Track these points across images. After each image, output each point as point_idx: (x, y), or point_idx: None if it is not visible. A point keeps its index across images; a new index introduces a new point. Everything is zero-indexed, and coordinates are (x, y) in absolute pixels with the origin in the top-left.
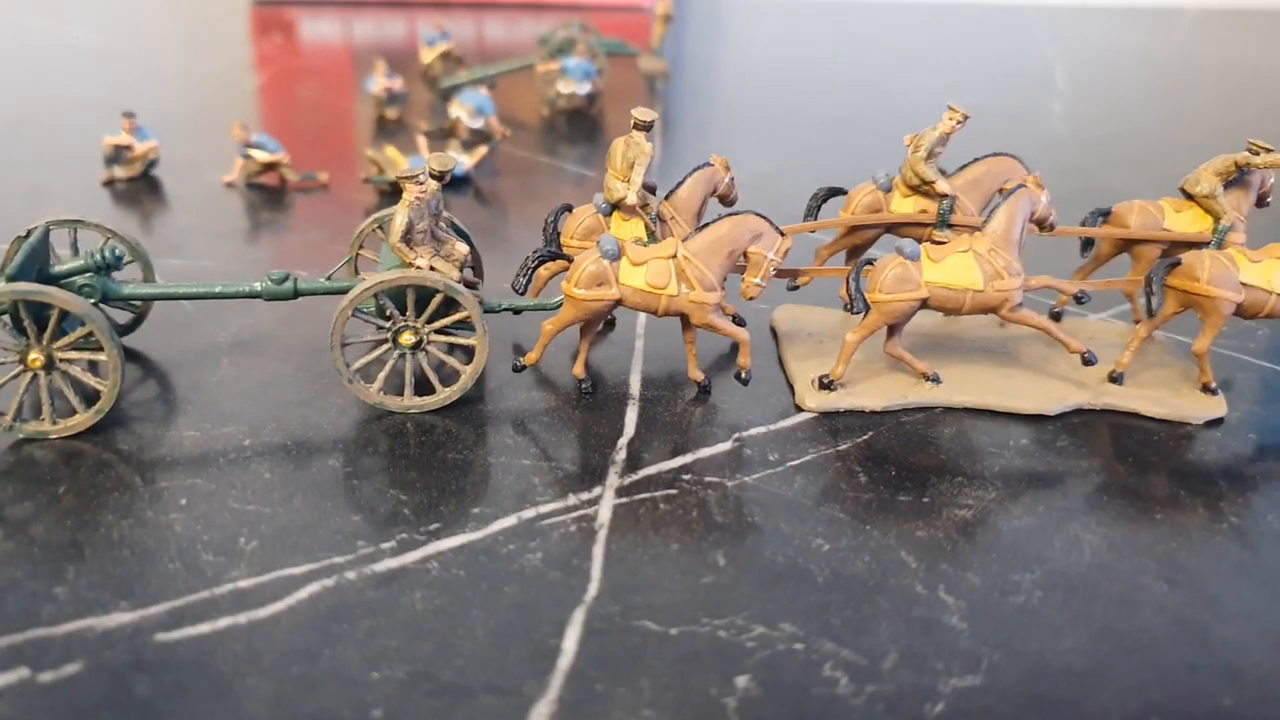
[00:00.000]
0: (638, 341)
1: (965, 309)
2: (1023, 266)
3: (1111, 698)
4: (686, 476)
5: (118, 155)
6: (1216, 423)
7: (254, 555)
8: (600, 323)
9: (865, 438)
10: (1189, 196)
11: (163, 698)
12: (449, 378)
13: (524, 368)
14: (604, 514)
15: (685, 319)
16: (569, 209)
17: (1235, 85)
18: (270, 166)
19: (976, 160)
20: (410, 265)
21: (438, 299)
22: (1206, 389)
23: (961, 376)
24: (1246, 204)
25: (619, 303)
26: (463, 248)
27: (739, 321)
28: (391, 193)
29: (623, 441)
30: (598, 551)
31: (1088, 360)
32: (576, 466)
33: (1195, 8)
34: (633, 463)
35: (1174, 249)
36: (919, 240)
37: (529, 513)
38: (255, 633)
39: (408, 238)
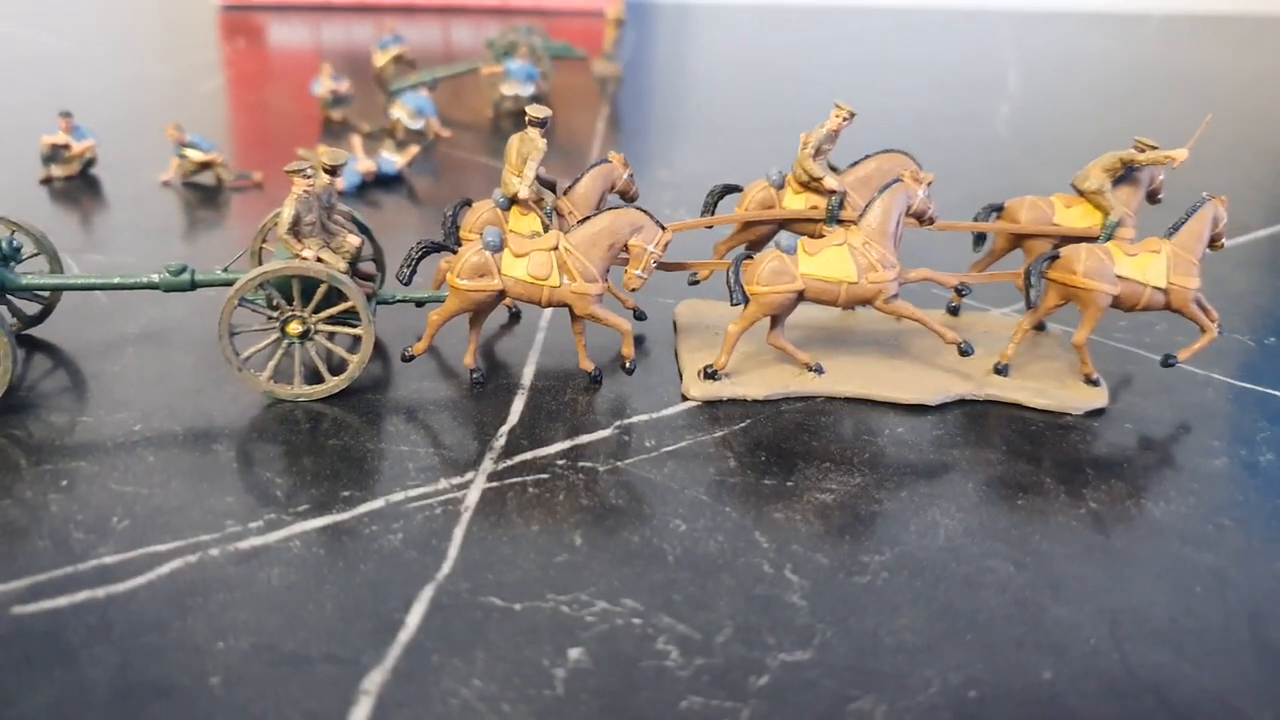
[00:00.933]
0: (539, 334)
1: (841, 301)
2: (899, 259)
3: (935, 672)
4: (561, 462)
5: (55, 154)
6: (1098, 413)
7: (124, 533)
8: (488, 313)
9: (743, 425)
10: (1080, 192)
11: (8, 667)
12: (338, 367)
13: (412, 357)
14: (472, 498)
15: (570, 310)
16: (468, 204)
17: (1190, 92)
18: (205, 166)
19: (868, 157)
20: (297, 256)
21: (322, 289)
22: (1089, 380)
23: (847, 367)
24: (1135, 200)
25: (503, 294)
26: (354, 240)
27: (640, 315)
28: None
29: (504, 429)
30: (458, 533)
31: (964, 351)
32: (454, 453)
33: (1160, 14)
34: (510, 449)
35: (1064, 244)
36: (812, 236)
37: (397, 496)
38: (111, 606)
39: (295, 230)
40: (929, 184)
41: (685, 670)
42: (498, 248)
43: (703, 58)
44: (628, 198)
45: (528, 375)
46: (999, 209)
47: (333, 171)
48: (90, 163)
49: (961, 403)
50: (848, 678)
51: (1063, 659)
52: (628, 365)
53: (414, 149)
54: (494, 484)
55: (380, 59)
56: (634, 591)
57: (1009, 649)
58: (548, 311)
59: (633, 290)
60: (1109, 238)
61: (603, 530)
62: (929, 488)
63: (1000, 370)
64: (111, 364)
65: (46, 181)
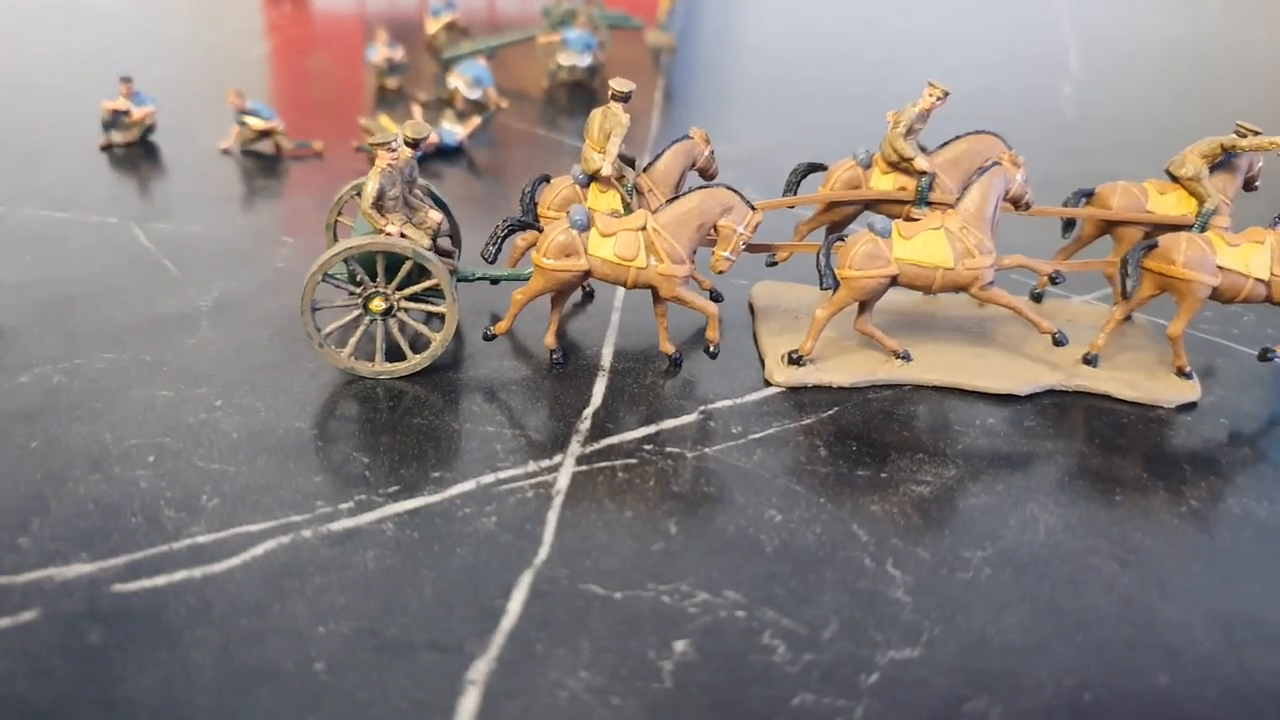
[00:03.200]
0: (614, 315)
1: (935, 286)
2: (996, 245)
3: (1048, 673)
4: (648, 447)
5: (115, 120)
6: (1189, 407)
7: (214, 512)
8: (570, 293)
9: (830, 413)
10: (1174, 179)
11: (114, 646)
12: (421, 345)
13: (494, 336)
14: (562, 481)
15: (655, 292)
16: (546, 180)
17: (1254, 70)
18: (265, 134)
19: (958, 138)
20: (380, 231)
21: (407, 265)
22: (1181, 373)
23: (933, 355)
24: (1233, 187)
25: (588, 274)
26: (436, 215)
27: (716, 297)
28: None
29: (588, 411)
30: (552, 517)
31: (1058, 341)
32: (540, 434)
33: None
34: (596, 432)
35: (1156, 231)
36: (899, 219)
37: (488, 478)
38: (209, 586)
39: (379, 204)
40: (1024, 167)
41: (794, 666)
42: (585, 227)
43: (754, 29)
44: (708, 175)
45: (606, 357)
46: (1089, 194)
47: (415, 145)
48: (150, 129)
49: (1050, 393)
50: (959, 677)
51: (1177, 663)
52: (712, 349)
53: (475, 120)
54: (583, 467)
55: (432, 26)
56: (735, 583)
57: (1121, 651)
58: (622, 292)
59: (719, 273)
60: (1204, 227)
61: (697, 519)
62: (1024, 481)
63: (1089, 360)
64: (187, 337)
65: (107, 148)
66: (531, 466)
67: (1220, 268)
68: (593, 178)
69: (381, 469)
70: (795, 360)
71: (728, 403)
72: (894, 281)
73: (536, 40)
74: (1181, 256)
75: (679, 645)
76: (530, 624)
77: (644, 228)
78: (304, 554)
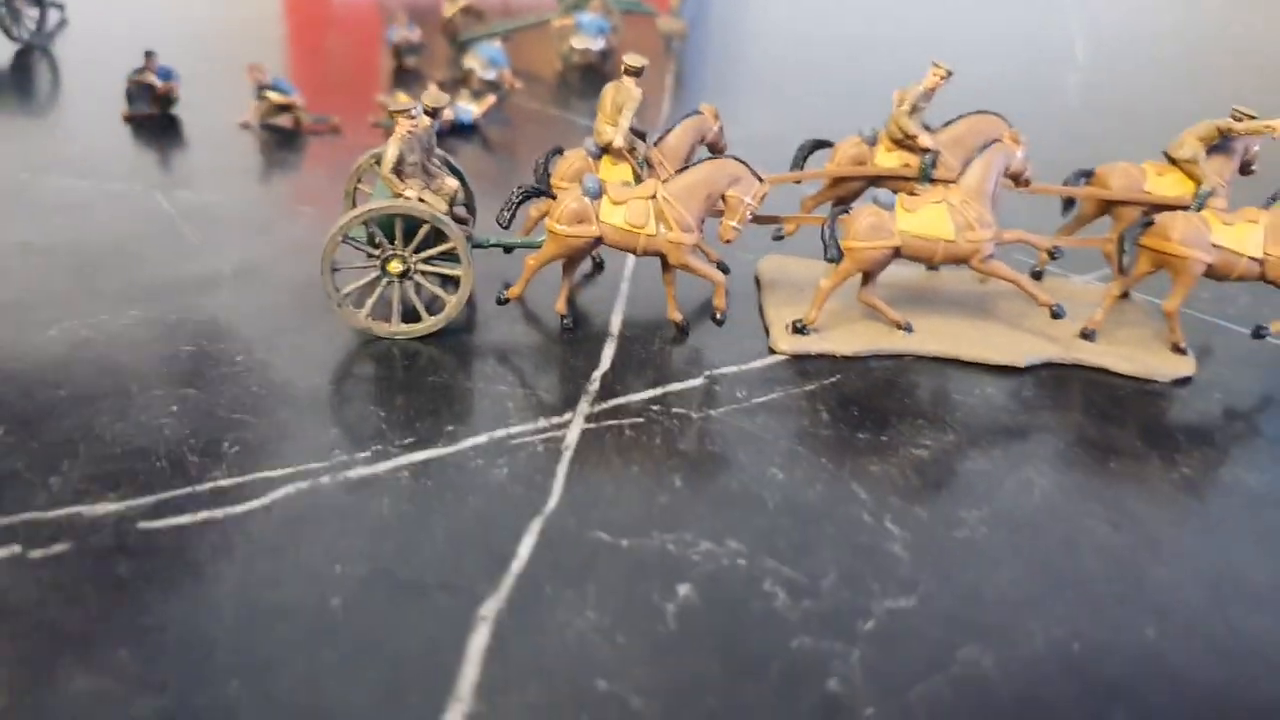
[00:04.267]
0: (623, 284)
1: (937, 259)
2: (996, 220)
3: (1038, 625)
4: (655, 408)
5: (139, 92)
6: (1185, 382)
7: (236, 458)
8: (581, 260)
9: (832, 380)
10: (1172, 161)
11: (141, 578)
12: (436, 308)
13: (507, 301)
14: (571, 437)
15: (664, 259)
16: (560, 151)
17: (1255, 56)
18: (284, 108)
19: (961, 117)
20: (400, 196)
21: (425, 229)
22: (1176, 349)
23: (935, 326)
24: (1229, 170)
25: (600, 240)
26: (452, 183)
27: (723, 269)
28: None
29: (597, 374)
30: (561, 470)
31: (1055, 313)
32: (551, 394)
33: None
34: (605, 393)
35: (1154, 212)
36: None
37: (500, 433)
38: (230, 526)
39: (398, 170)
40: (1024, 145)
41: (794, 612)
42: (597, 194)
43: (762, 16)
44: (716, 150)
45: (615, 324)
46: (1089, 174)
47: (434, 114)
48: (172, 102)
49: (1048, 366)
50: (952, 626)
51: (1165, 618)
52: (718, 316)
53: (490, 99)
54: (591, 425)
55: (449, 9)
56: (737, 534)
57: (1110, 606)
58: (631, 262)
59: (727, 242)
60: (1200, 207)
61: (701, 474)
62: (1021, 447)
63: (1087, 335)
64: (210, 298)
65: (130, 120)
66: (542, 423)
67: (1215, 245)
68: (605, 150)
69: (397, 422)
70: (799, 329)
71: (733, 369)
72: (897, 253)
73: (551, 24)
74: (1177, 234)
75: (682, 589)
76: (539, 568)
77: (654, 196)
78: (322, 499)
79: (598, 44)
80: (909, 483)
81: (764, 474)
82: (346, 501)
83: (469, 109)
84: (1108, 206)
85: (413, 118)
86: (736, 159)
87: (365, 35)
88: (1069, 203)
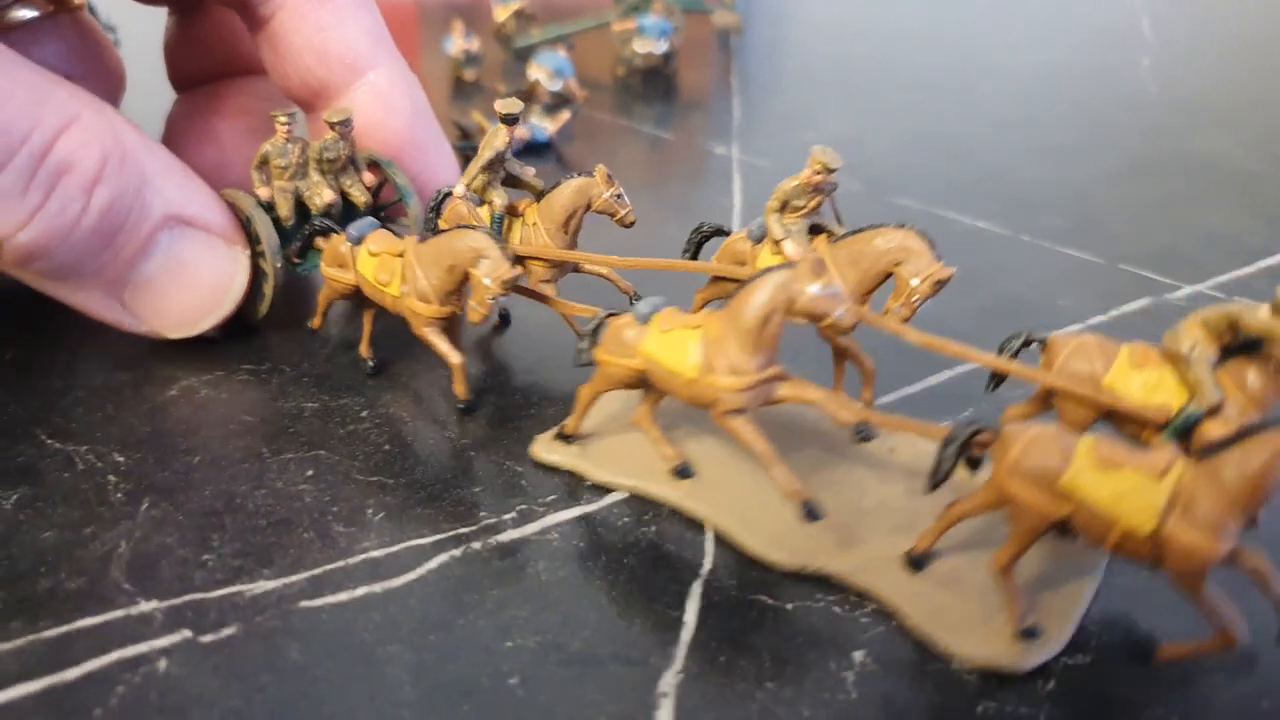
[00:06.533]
0: None
1: (682, 397)
2: (774, 362)
3: (1223, 679)
4: None
5: None
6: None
7: (382, 526)
8: (368, 306)
9: None
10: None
11: (314, 663)
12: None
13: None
14: None
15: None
16: (449, 195)
17: None
18: None
19: (873, 228)
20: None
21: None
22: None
23: (720, 479)
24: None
25: (358, 289)
26: (328, 194)
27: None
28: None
29: None
30: (709, 529)
31: (863, 436)
32: None
33: None
34: None
35: (1119, 415)
36: None
37: (640, 485)
38: (391, 601)
39: (262, 168)
40: (940, 281)
41: (971, 675)
42: (357, 241)
43: (815, 6)
44: (617, 220)
45: None
46: (1042, 342)
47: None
48: None
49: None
50: (1133, 684)
51: None
52: (460, 404)
53: (565, 115)
54: None
55: (501, 13)
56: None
57: None
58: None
59: (474, 324)
60: (1183, 430)
61: None
62: None
63: (915, 561)
64: (320, 347)
65: None
66: None
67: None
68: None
69: (536, 477)
70: (564, 437)
71: None
72: (644, 378)
73: (611, 27)
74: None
75: (857, 656)
76: (709, 635)
77: (403, 254)
78: (476, 566)
79: (661, 47)
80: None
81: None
82: (502, 567)
83: (544, 127)
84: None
85: (284, 123)
86: (487, 232)
87: (405, 42)
88: (998, 378)
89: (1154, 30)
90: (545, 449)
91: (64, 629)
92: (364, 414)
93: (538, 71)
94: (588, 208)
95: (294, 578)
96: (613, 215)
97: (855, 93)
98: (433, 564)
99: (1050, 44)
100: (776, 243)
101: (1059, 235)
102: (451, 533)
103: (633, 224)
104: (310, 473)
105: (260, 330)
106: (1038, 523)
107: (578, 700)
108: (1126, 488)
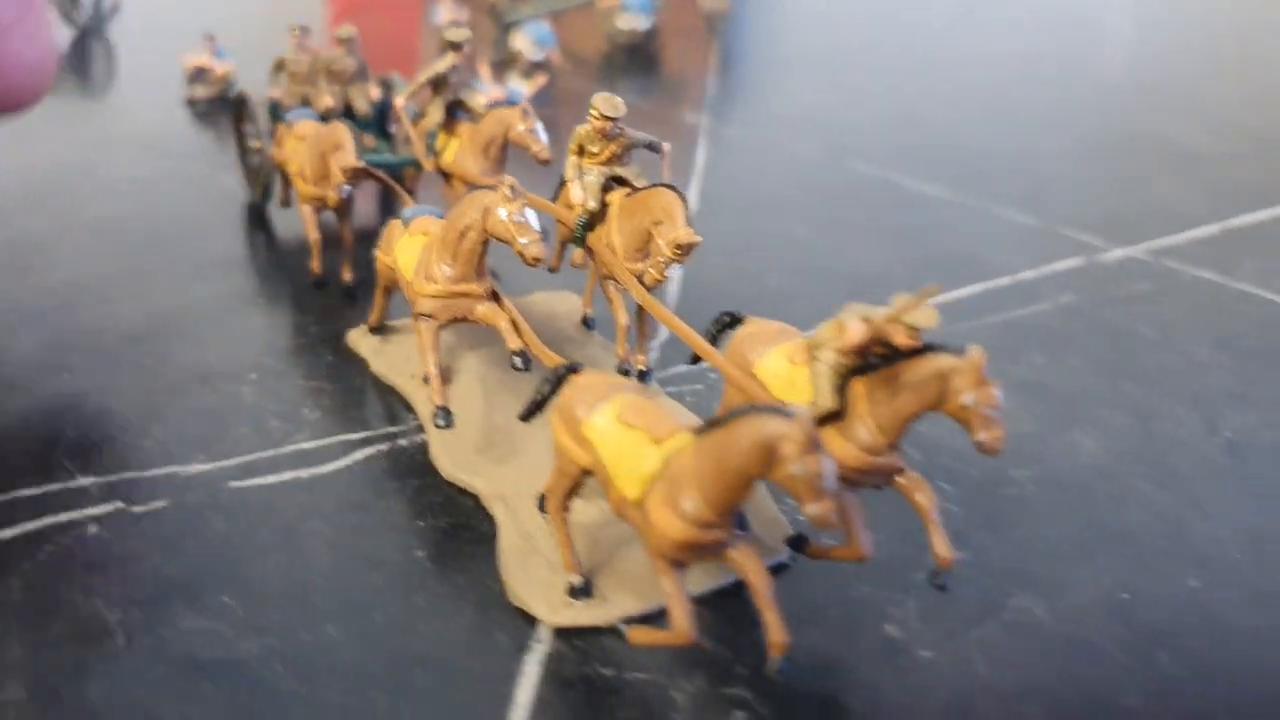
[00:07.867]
0: None
1: (407, 296)
2: (466, 277)
3: (1087, 575)
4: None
5: (198, 75)
6: None
7: (316, 423)
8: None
9: None
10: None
11: (236, 534)
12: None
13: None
14: None
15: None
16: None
17: None
18: None
19: (652, 188)
20: None
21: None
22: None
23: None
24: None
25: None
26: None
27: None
28: None
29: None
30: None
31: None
32: None
33: None
34: None
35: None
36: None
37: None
38: (316, 485)
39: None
40: (680, 245)
41: (850, 565)
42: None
43: None
44: (530, 153)
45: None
46: (734, 321)
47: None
48: (230, 85)
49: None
50: (1004, 578)
51: (1207, 569)
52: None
53: (541, 79)
54: None
55: None
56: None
57: (1155, 558)
58: None
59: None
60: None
61: None
62: (1068, 410)
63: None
64: (276, 271)
65: (191, 102)
66: None
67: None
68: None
69: None
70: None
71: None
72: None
73: (596, 4)
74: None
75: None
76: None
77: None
78: (402, 460)
79: (645, 24)
80: (960, 444)
81: None
82: (426, 461)
83: (520, 89)
84: None
85: (296, 35)
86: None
87: (407, 16)
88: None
89: (1123, 18)
90: (356, 340)
91: (3, 498)
92: (312, 329)
93: (521, 42)
94: (505, 137)
95: (226, 462)
96: (526, 148)
97: (830, 72)
98: (359, 455)
99: (1022, 32)
100: (564, 183)
101: (1005, 200)
102: (382, 430)
103: (547, 161)
104: (254, 376)
105: (215, 254)
106: (566, 465)
107: (480, 571)
108: (629, 450)
